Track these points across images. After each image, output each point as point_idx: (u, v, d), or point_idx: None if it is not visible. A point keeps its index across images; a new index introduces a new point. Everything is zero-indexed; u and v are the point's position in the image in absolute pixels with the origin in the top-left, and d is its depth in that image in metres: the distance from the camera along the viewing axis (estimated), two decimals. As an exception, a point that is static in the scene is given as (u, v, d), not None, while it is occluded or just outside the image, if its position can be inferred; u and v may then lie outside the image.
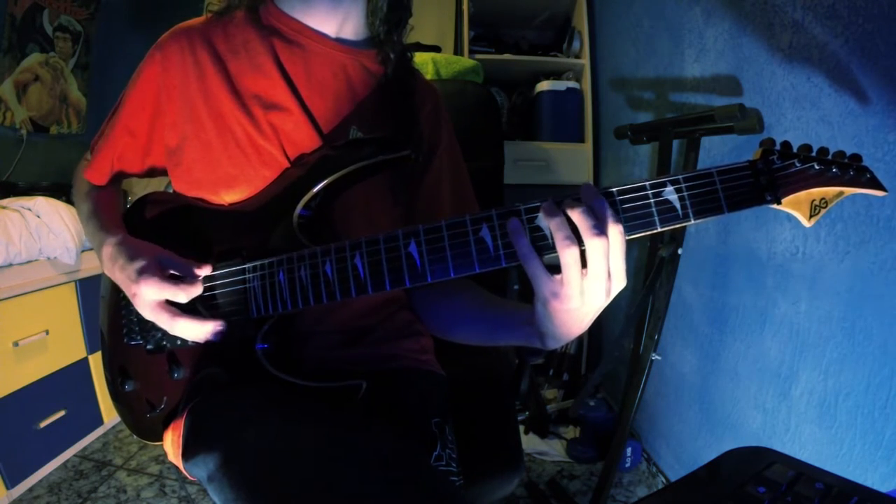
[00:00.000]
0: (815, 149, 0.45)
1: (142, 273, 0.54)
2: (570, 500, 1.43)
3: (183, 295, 0.55)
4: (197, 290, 0.56)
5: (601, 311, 0.46)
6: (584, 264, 0.43)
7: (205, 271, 0.57)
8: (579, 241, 0.42)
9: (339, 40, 0.69)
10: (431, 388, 0.71)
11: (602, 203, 0.42)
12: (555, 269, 0.45)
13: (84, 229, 0.70)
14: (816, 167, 0.44)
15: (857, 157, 0.44)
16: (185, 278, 0.56)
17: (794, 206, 0.44)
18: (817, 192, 0.44)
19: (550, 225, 0.43)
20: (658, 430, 1.55)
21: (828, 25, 0.86)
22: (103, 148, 0.70)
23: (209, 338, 0.56)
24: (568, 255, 0.42)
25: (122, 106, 0.68)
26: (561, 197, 0.44)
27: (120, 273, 0.57)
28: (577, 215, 0.42)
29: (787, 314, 0.99)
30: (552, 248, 0.44)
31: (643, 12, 1.58)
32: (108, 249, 0.59)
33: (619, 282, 0.44)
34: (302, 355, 0.65)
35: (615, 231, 0.42)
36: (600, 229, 0.41)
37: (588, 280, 0.43)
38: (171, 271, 0.56)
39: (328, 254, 0.52)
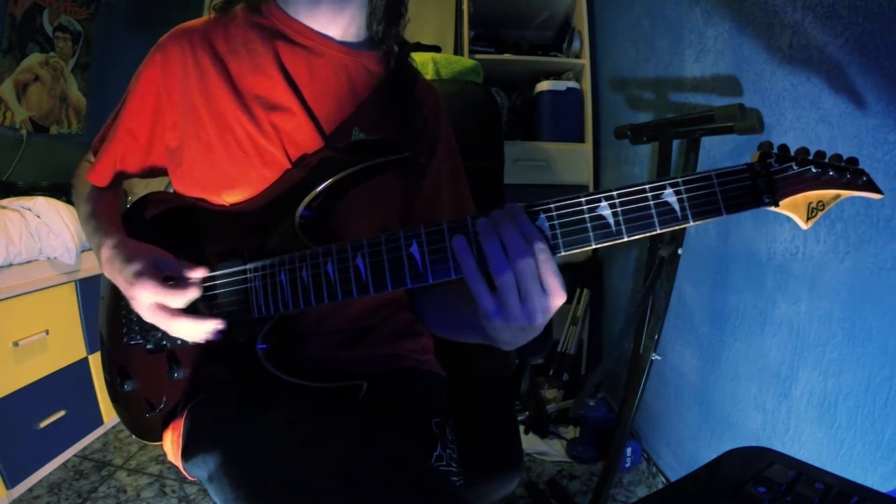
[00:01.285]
0: (812, 151, 0.45)
1: (138, 276, 0.54)
2: (570, 500, 1.43)
3: (177, 300, 0.54)
4: (192, 294, 0.55)
5: (547, 321, 0.46)
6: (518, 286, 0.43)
7: (198, 274, 0.57)
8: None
9: (342, 43, 0.69)
10: (432, 388, 0.71)
11: (528, 225, 0.44)
12: None
13: (83, 230, 0.70)
14: (813, 170, 0.44)
15: (853, 161, 0.45)
16: (180, 282, 0.56)
17: (792, 209, 0.44)
18: (814, 194, 0.44)
19: (485, 249, 0.44)
20: (658, 430, 1.55)
21: (828, 25, 0.86)
22: (105, 150, 0.70)
23: (209, 337, 0.56)
24: (502, 281, 0.43)
25: (123, 108, 0.69)
26: (500, 212, 0.45)
27: (118, 275, 0.57)
28: (507, 239, 0.43)
29: (787, 314, 1.00)
30: None
31: (643, 12, 1.58)
32: (107, 252, 0.59)
33: (558, 297, 0.44)
34: (303, 356, 0.65)
35: (541, 250, 0.43)
36: (528, 252, 0.43)
37: (525, 301, 0.44)
38: (167, 273, 0.56)
39: (330, 254, 0.52)
